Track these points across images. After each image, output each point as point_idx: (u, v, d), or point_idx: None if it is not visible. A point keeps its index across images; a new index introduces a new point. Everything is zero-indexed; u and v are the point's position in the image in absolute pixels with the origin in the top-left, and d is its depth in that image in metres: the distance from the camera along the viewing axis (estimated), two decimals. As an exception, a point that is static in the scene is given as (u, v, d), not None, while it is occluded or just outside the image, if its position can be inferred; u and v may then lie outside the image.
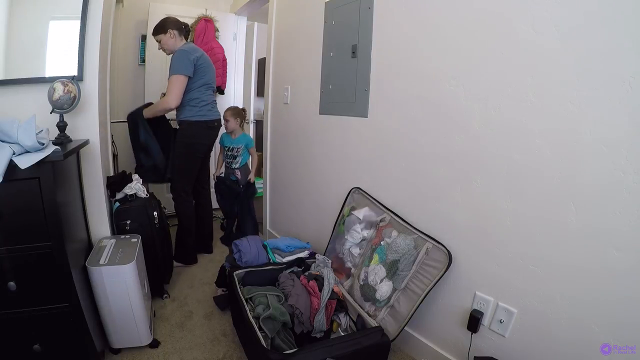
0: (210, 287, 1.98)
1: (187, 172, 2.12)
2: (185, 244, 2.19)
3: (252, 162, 2.60)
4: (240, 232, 2.49)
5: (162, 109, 2.01)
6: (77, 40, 1.42)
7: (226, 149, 2.44)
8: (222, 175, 2.52)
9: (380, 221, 1.56)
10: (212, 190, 2.54)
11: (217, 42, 2.85)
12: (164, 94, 2.02)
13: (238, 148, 2.42)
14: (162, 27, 1.98)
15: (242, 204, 2.48)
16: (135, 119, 2.03)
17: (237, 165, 2.44)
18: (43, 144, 1.10)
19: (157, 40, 2.02)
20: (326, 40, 1.87)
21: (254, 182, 2.51)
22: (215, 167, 2.65)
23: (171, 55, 1.97)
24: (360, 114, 1.69)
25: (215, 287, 1.92)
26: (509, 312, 1.16)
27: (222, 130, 2.37)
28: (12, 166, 1.00)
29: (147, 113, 2.02)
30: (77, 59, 1.42)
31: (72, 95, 1.29)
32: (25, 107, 1.34)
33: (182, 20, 2.05)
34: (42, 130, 1.14)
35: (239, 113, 2.43)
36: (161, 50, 2.06)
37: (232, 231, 2.56)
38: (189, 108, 2.02)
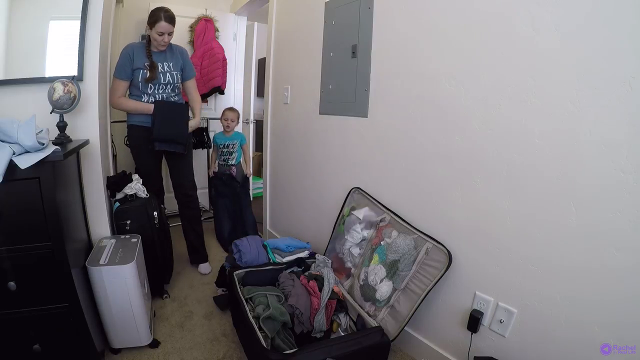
0: (210, 287, 1.98)
1: None
2: (202, 238, 2.22)
3: (246, 159, 2.65)
4: (241, 226, 2.50)
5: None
6: (77, 40, 1.42)
7: (221, 146, 2.47)
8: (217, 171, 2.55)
9: (380, 221, 1.55)
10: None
11: (217, 42, 2.85)
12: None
13: (234, 144, 2.48)
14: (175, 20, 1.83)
15: (240, 200, 2.51)
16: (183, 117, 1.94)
17: (234, 162, 2.49)
18: (43, 144, 1.10)
19: (168, 32, 1.79)
20: (326, 40, 1.87)
21: (250, 178, 2.54)
22: (210, 165, 2.69)
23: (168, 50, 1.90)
24: (360, 114, 1.68)
25: (215, 287, 1.92)
26: (509, 312, 1.16)
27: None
28: (12, 166, 1.00)
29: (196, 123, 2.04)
30: (77, 59, 1.42)
31: (72, 95, 1.29)
32: (25, 107, 1.34)
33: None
34: (42, 130, 1.14)
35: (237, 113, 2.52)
36: (162, 43, 1.82)
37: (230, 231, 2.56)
38: None
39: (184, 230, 2.19)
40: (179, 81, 1.95)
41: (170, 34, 1.81)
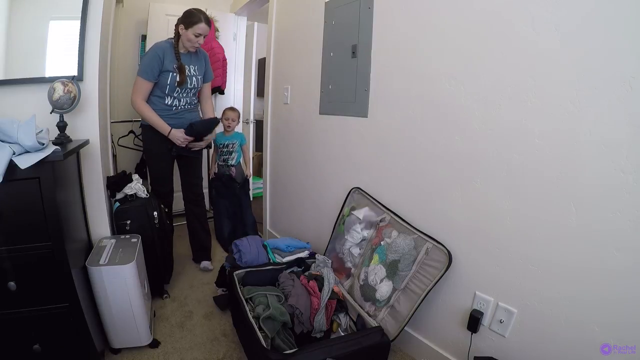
0: (210, 287, 1.98)
1: None
2: (210, 236, 2.28)
3: (245, 159, 2.64)
4: (242, 227, 2.51)
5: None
6: (77, 40, 1.42)
7: (221, 145, 2.47)
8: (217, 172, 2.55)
9: (380, 221, 1.55)
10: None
11: (217, 42, 2.85)
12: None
13: (234, 144, 2.47)
14: None
15: (240, 201, 2.51)
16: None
17: (234, 162, 2.48)
18: (43, 144, 1.10)
19: (205, 34, 1.79)
20: (326, 40, 1.87)
21: (250, 178, 2.56)
22: (210, 165, 2.69)
23: (197, 54, 1.91)
24: (360, 114, 1.68)
25: (215, 287, 1.92)
26: (509, 312, 1.16)
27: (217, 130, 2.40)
28: (12, 166, 1.00)
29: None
30: (77, 59, 1.42)
31: (72, 95, 1.29)
32: (25, 107, 1.34)
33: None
34: (42, 130, 1.14)
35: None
36: (197, 45, 1.82)
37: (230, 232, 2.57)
38: None
39: (192, 229, 2.21)
40: (200, 85, 1.95)
41: (205, 36, 1.81)
